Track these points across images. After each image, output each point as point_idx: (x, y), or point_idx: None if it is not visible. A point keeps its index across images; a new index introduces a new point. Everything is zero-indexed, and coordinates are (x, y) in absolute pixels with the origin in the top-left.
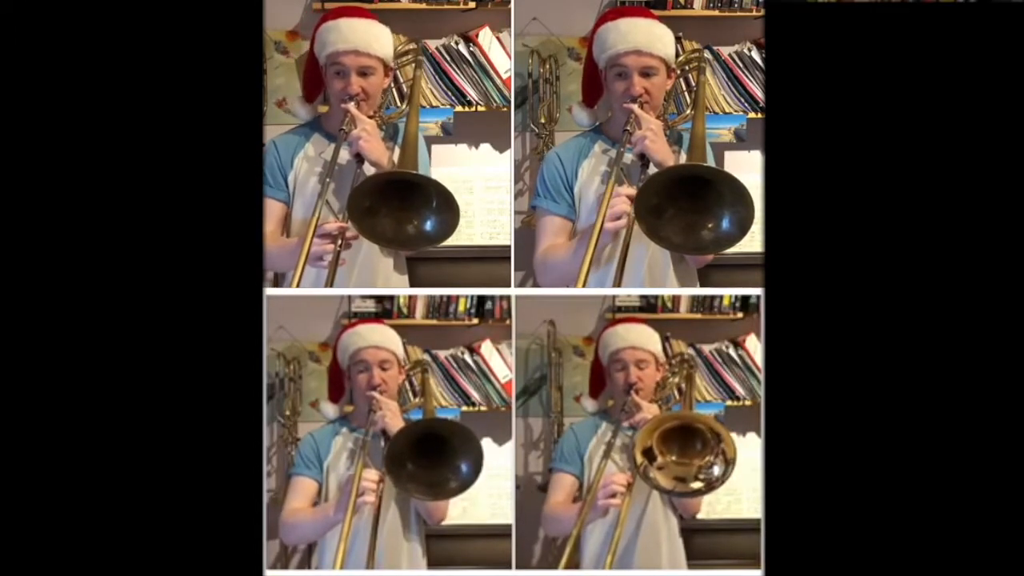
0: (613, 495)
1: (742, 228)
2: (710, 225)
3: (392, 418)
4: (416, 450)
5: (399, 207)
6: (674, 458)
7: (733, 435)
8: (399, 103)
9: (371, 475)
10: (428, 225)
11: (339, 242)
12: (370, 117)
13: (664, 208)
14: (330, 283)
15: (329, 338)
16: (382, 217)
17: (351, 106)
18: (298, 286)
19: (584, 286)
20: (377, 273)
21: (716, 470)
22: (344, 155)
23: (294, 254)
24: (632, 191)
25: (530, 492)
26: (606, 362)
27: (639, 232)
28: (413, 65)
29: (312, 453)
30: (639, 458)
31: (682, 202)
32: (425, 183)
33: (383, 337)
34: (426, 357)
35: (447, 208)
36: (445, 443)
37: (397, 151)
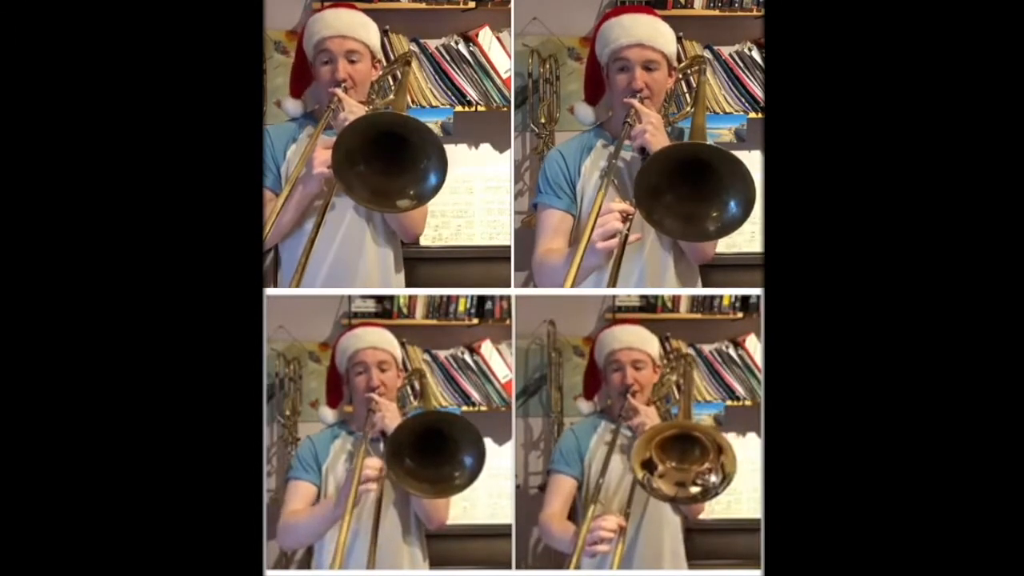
0: (600, 541)
1: (746, 208)
2: (714, 214)
3: (391, 420)
4: (416, 447)
5: (386, 166)
6: (674, 464)
7: (733, 435)
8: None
9: (373, 463)
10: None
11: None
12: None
13: (662, 191)
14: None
15: (329, 338)
16: (367, 174)
17: (339, 91)
18: (299, 284)
19: (572, 286)
20: (371, 275)
21: (714, 478)
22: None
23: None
24: (624, 206)
25: (530, 492)
26: (602, 364)
27: (638, 232)
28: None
29: (310, 457)
30: (639, 472)
31: (682, 189)
32: (415, 131)
33: (381, 338)
34: (426, 357)
35: (438, 162)
36: (446, 438)
37: None
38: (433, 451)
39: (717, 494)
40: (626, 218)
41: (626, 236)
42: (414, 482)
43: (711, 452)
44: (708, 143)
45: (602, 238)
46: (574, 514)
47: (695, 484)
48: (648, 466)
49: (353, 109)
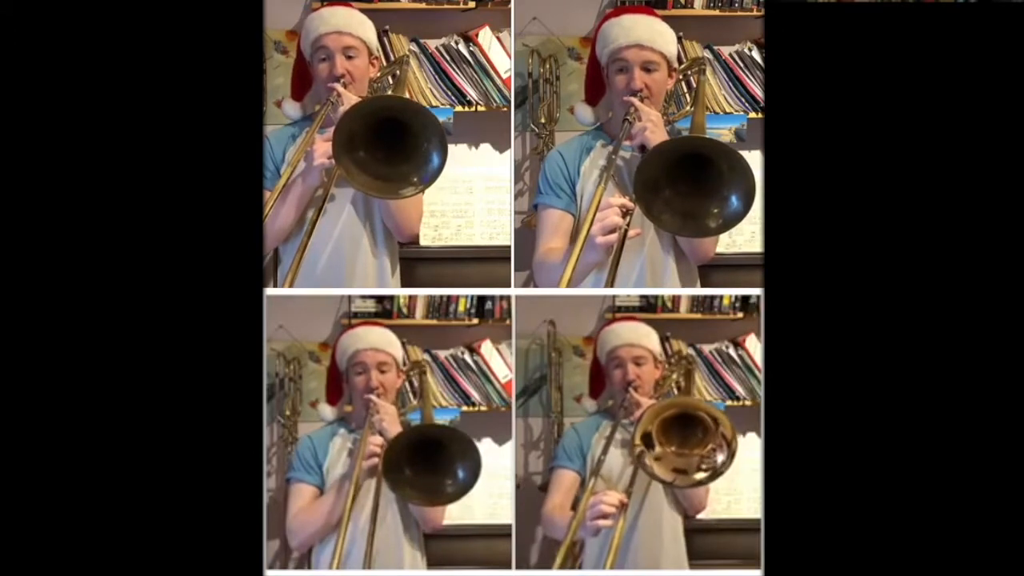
0: (604, 516)
1: (747, 202)
2: (715, 210)
3: (390, 422)
4: (413, 455)
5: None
6: (674, 448)
7: None
8: None
9: (376, 440)
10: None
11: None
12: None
13: (661, 186)
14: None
15: (329, 338)
16: (368, 161)
17: (338, 85)
18: (292, 284)
19: (569, 285)
20: (368, 279)
21: (720, 457)
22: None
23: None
24: (624, 201)
25: (530, 492)
26: (604, 361)
27: (638, 227)
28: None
29: (310, 456)
30: (637, 441)
31: (681, 184)
32: (414, 115)
33: (381, 339)
34: (426, 357)
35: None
36: (443, 448)
37: None
38: (428, 460)
39: (727, 468)
40: (626, 213)
41: (625, 231)
42: (409, 490)
43: (713, 432)
44: (706, 136)
45: (601, 233)
46: (576, 507)
47: (700, 469)
48: (647, 441)
49: (352, 103)
